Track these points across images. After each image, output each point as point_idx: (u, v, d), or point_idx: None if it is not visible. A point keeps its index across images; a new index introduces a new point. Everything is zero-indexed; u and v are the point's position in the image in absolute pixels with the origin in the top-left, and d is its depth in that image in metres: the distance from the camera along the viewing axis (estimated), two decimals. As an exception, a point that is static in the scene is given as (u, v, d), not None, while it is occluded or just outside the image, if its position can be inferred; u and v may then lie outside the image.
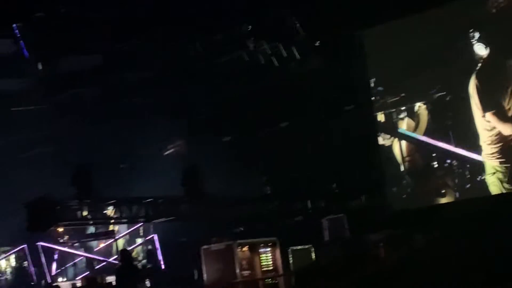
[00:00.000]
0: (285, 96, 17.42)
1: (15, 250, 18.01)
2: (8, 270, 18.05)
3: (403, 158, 17.14)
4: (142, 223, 16.81)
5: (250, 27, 16.65)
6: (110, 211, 15.09)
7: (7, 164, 19.49)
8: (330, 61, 17.18)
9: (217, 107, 17.84)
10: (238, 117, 17.88)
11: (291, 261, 15.01)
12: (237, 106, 17.52)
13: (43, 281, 16.17)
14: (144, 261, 17.07)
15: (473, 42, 15.75)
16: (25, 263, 17.93)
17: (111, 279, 13.95)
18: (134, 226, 17.60)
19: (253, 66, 17.17)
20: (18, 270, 17.98)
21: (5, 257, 18.15)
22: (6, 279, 17.55)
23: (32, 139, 19.59)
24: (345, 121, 17.31)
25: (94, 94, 18.34)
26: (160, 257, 16.79)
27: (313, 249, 15.23)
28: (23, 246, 17.39)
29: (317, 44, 17.33)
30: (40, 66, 17.73)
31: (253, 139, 18.00)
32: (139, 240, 18.26)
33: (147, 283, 14.20)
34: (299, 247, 15.20)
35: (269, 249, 14.52)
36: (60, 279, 16.75)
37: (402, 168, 17.25)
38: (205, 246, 14.39)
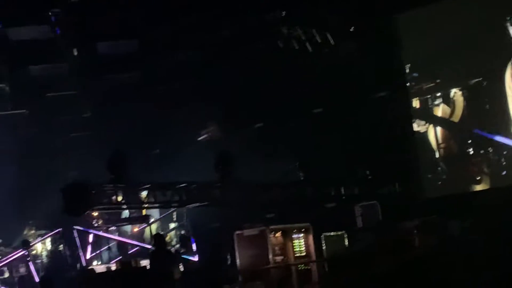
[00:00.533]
0: (319, 82, 17.34)
1: (51, 233, 18.24)
2: (44, 253, 18.30)
3: (438, 144, 16.99)
4: (175, 208, 16.90)
5: (284, 13, 16.59)
6: (144, 196, 15.17)
7: (45, 149, 19.80)
8: (364, 46, 17.05)
9: (251, 93, 17.81)
10: (272, 103, 17.83)
11: (324, 247, 14.99)
12: (271, 92, 17.47)
13: (78, 264, 16.33)
14: (178, 245, 17.18)
15: (511, 27, 15.51)
16: (61, 247, 18.17)
17: (145, 263, 14.06)
18: (168, 211, 17.71)
19: (287, 52, 17.12)
20: (54, 254, 18.22)
21: (41, 241, 18.39)
22: (42, 262, 17.78)
23: (69, 124, 19.86)
24: (379, 107, 17.17)
25: (129, 80, 18.46)
26: (193, 242, 16.86)
27: (346, 236, 15.19)
28: (58, 230, 17.59)
29: (351, 29, 17.22)
30: (75, 52, 17.95)
31: (287, 124, 17.94)
32: (172, 225, 18.38)
33: (181, 267, 14.26)
34: (332, 233, 15.17)
35: (302, 235, 14.55)
36: (94, 263, 16.92)
37: (437, 155, 17.11)
38: (238, 232, 14.46)
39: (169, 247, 15.87)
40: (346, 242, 15.20)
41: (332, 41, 16.96)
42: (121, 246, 17.10)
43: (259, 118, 18.81)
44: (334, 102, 17.43)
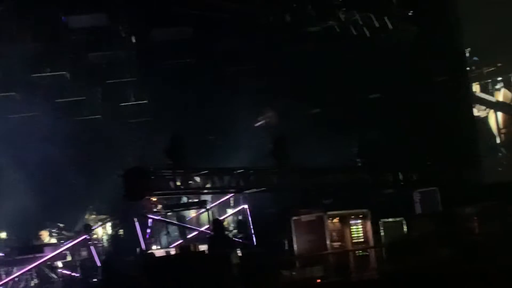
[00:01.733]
0: (377, 66, 17.17)
1: (111, 218, 18.53)
2: (105, 237, 18.56)
3: (499, 130, 16.72)
4: (233, 194, 16.99)
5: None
6: (202, 181, 15.29)
7: (104, 135, 20.12)
8: (423, 30, 16.80)
9: (309, 78, 17.75)
10: (329, 88, 17.73)
11: (382, 234, 14.88)
12: (329, 77, 17.38)
13: (137, 249, 16.52)
14: (235, 231, 17.25)
15: None
16: (121, 231, 18.44)
17: (204, 248, 14.18)
18: (225, 196, 17.79)
19: (345, 37, 16.99)
20: (114, 238, 18.46)
21: (101, 225, 18.68)
22: (103, 246, 18.07)
23: (128, 110, 20.14)
24: (438, 91, 16.92)
25: (187, 66, 18.60)
26: (250, 227, 16.91)
27: (404, 222, 15.05)
28: (118, 214, 17.84)
29: (410, 13, 16.98)
30: (133, 39, 18.19)
31: (345, 110, 17.85)
32: (230, 211, 18.45)
33: (238, 252, 14.35)
34: (390, 220, 15.05)
35: (359, 221, 14.47)
36: (154, 247, 17.08)
37: (497, 140, 16.82)
38: (295, 217, 14.46)
39: (226, 232, 15.94)
40: (405, 229, 15.08)
41: (390, 25, 16.76)
42: (180, 231, 17.24)
43: (317, 103, 18.75)
44: (392, 87, 17.25)
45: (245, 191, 15.94)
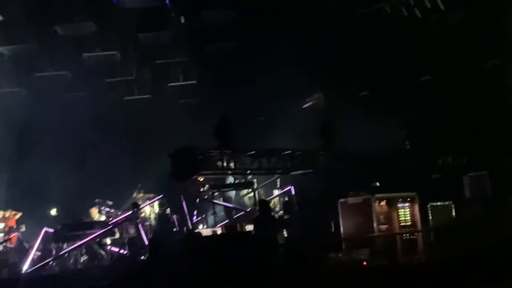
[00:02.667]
0: (427, 49, 16.92)
1: (159, 197, 18.74)
2: (152, 216, 18.79)
3: (553, 114, 16.30)
4: (279, 175, 17.00)
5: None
6: (249, 162, 15.31)
7: (153, 115, 20.34)
8: (476, 12, 16.47)
9: (358, 60, 17.57)
10: (378, 70, 17.55)
11: (430, 217, 14.72)
12: (377, 59, 17.17)
13: (184, 228, 16.69)
14: (281, 212, 17.27)
15: None
16: (168, 210, 18.64)
17: (250, 228, 14.25)
18: (272, 177, 17.83)
19: (396, 18, 16.78)
20: (161, 217, 18.68)
21: (149, 204, 18.91)
22: (150, 224, 18.30)
23: (177, 90, 20.30)
24: (490, 75, 16.60)
25: (235, 47, 18.62)
26: (296, 209, 16.89)
27: (453, 206, 14.87)
28: (166, 193, 18.03)
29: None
30: (183, 20, 18.25)
31: (394, 93, 17.65)
32: (276, 192, 18.49)
33: (284, 233, 14.38)
34: (439, 203, 14.88)
35: (407, 204, 14.31)
36: (200, 226, 17.25)
37: (552, 125, 16.42)
38: (342, 200, 14.39)
39: (273, 213, 15.96)
40: (453, 213, 14.89)
41: (442, 7, 16.47)
42: (226, 211, 17.36)
43: (366, 86, 18.59)
44: (443, 70, 16.99)
45: (291, 173, 15.90)
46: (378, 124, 17.27)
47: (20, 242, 17.97)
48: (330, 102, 19.27)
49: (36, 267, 15.70)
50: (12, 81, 19.56)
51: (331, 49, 17.66)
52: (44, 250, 17.08)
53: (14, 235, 18.16)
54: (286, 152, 15.29)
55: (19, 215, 18.63)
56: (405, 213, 14.24)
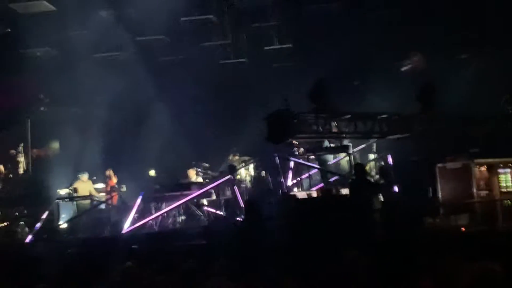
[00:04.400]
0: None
1: (254, 160, 18.92)
2: (248, 178, 19.00)
3: None
4: (376, 139, 16.79)
5: None
6: (345, 125, 15.17)
7: (249, 78, 20.46)
8: None
9: (459, 22, 17.06)
10: (479, 33, 16.97)
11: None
12: (480, 21, 16.60)
13: (279, 190, 16.76)
14: (377, 176, 17.08)
15: None
16: (263, 173, 18.79)
17: (345, 192, 14.19)
18: (368, 141, 17.63)
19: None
20: (256, 179, 18.87)
21: (244, 166, 19.12)
22: (246, 186, 18.51)
23: (272, 54, 20.30)
24: None
25: (332, 9, 18.40)
26: (392, 173, 16.67)
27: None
28: (261, 156, 18.16)
29: None
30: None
31: (495, 55, 17.04)
32: (372, 156, 18.29)
33: (380, 197, 14.23)
34: (542, 169, 14.34)
35: (509, 169, 13.88)
36: (295, 189, 17.26)
37: None
38: (440, 164, 14.12)
39: (368, 178, 15.81)
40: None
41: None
42: (321, 174, 17.31)
43: (466, 49, 18.03)
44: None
45: (388, 137, 15.65)
46: (480, 87, 16.77)
47: (121, 201, 18.58)
48: (429, 65, 18.80)
49: (136, 226, 16.18)
50: (112, 45, 20.05)
51: (432, 10, 17.21)
52: (144, 210, 17.59)
53: (115, 194, 18.81)
54: (382, 116, 15.05)
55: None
56: (506, 178, 13.83)
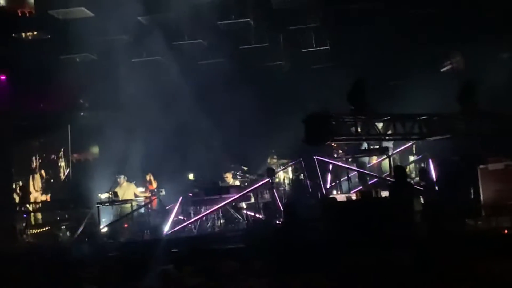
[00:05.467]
0: None
1: (293, 162, 18.87)
2: (286, 181, 18.98)
3: None
4: (416, 140, 16.61)
5: None
6: (384, 127, 15.06)
7: (286, 80, 20.45)
8: None
9: (499, 20, 16.78)
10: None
11: None
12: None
13: (318, 193, 16.70)
14: (417, 178, 16.92)
15: None
16: (301, 176, 18.74)
17: (385, 194, 14.05)
18: (408, 143, 17.46)
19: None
20: (295, 182, 18.83)
21: (283, 169, 19.10)
22: (284, 189, 18.48)
23: (309, 56, 20.24)
24: None
25: (368, 10, 18.26)
26: (433, 175, 16.50)
27: None
28: (299, 159, 18.12)
29: None
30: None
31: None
32: (411, 158, 18.12)
33: (421, 200, 14.09)
34: None
35: (552, 171, 13.62)
36: (334, 192, 17.19)
37: None
38: (481, 166, 13.91)
39: (408, 180, 15.66)
40: None
41: None
42: (361, 177, 17.20)
43: (508, 47, 17.73)
44: None
45: (428, 138, 15.48)
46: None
47: (160, 205, 18.70)
48: (470, 64, 18.54)
49: (175, 229, 16.27)
50: (150, 49, 20.20)
51: (470, 9, 16.97)
52: (183, 213, 17.68)
53: (154, 198, 18.93)
54: (422, 117, 14.89)
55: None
56: (549, 180, 13.55)
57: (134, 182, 19.43)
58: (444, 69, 19.42)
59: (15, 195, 18.94)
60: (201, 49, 20.12)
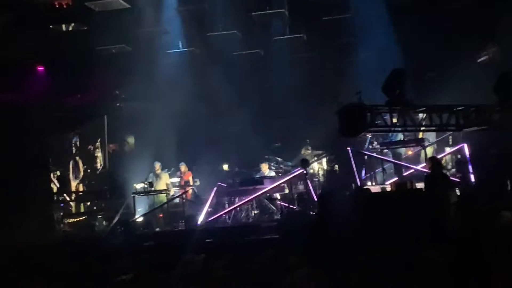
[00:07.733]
0: None
1: (327, 153, 18.82)
2: (320, 172, 18.93)
3: None
4: (452, 132, 16.44)
5: None
6: (419, 118, 14.94)
7: (322, 71, 20.38)
8: None
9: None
10: None
11: None
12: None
13: (353, 184, 16.63)
14: (453, 170, 16.74)
15: None
16: (336, 167, 18.69)
17: (420, 186, 13.93)
18: (444, 134, 17.28)
19: None
20: (329, 173, 18.77)
21: (317, 160, 19.05)
22: (318, 180, 18.44)
23: (343, 47, 20.15)
24: None
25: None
26: (469, 167, 16.30)
27: None
28: (334, 150, 18.05)
29: None
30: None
31: None
32: (447, 149, 17.93)
33: (457, 192, 13.93)
34: None
35: None
36: (369, 183, 17.11)
37: None
38: (519, 157, 13.75)
39: (444, 171, 15.49)
40: None
41: None
42: (396, 168, 17.07)
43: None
44: None
45: (464, 129, 15.30)
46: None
47: (195, 196, 18.80)
48: (507, 55, 18.26)
49: (210, 219, 16.35)
50: (185, 41, 20.29)
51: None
52: (217, 204, 17.76)
53: (189, 189, 19.04)
54: (459, 108, 14.73)
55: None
56: None
57: (168, 171, 19.53)
58: (481, 60, 19.14)
59: (52, 185, 19.18)
60: (236, 40, 20.12)
